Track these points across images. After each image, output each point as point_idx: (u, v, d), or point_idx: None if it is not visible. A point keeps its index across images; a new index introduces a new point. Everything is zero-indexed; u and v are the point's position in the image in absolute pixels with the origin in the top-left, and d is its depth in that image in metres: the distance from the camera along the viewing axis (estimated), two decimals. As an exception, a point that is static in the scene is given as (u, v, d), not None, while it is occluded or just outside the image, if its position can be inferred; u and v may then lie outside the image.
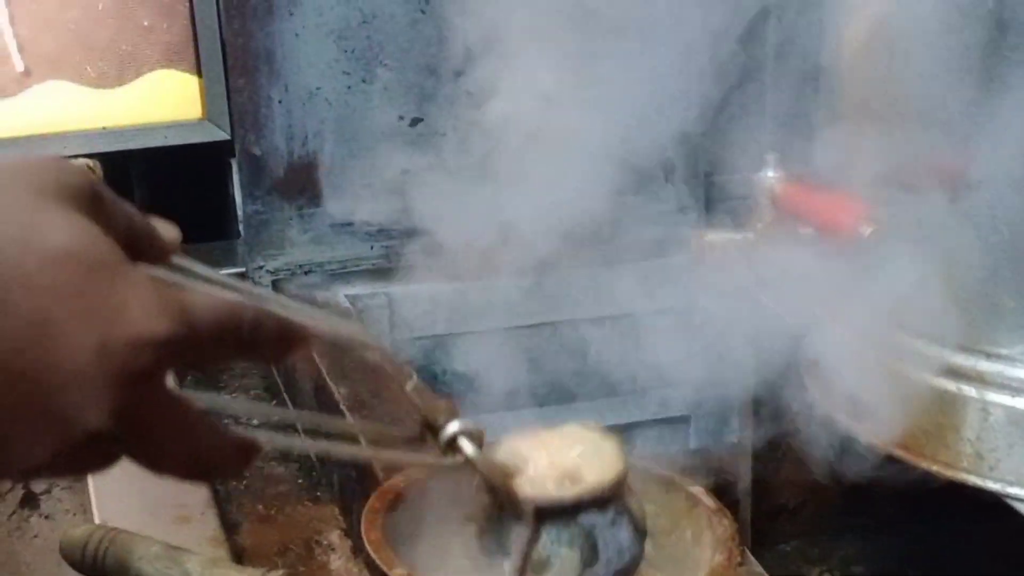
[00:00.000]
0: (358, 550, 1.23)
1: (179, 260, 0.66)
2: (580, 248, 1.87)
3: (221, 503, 1.28)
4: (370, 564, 1.19)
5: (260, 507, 1.33)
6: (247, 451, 0.64)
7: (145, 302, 0.57)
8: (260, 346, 0.64)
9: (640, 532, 0.87)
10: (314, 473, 1.40)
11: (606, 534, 0.85)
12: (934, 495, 1.22)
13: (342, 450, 0.81)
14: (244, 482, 1.37)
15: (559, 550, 0.85)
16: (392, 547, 0.88)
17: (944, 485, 1.18)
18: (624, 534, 0.86)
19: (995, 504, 0.93)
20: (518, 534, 0.85)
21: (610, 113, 1.86)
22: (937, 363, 0.87)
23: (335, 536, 1.27)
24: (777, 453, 1.24)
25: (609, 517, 0.86)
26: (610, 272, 1.83)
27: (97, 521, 1.19)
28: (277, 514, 1.32)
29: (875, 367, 0.92)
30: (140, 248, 0.62)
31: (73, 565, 1.04)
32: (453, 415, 0.80)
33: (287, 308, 0.69)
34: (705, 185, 1.95)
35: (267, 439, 0.68)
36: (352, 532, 1.27)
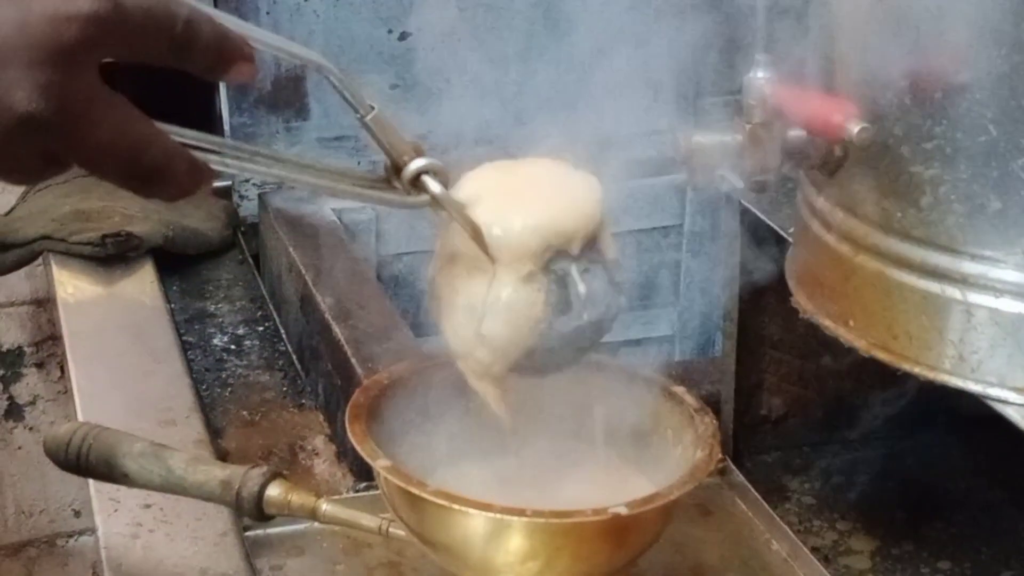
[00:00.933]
0: (342, 455, 1.24)
1: None
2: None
3: (205, 409, 1.29)
4: (355, 463, 1.20)
5: (244, 413, 1.33)
6: (196, 169, 0.64)
7: None
8: (195, 50, 0.62)
9: (617, 283, 0.82)
10: (299, 381, 1.41)
11: (579, 281, 0.80)
12: (916, 408, 1.23)
13: (301, 179, 0.77)
14: (229, 389, 1.38)
15: (527, 295, 0.78)
16: (376, 440, 0.88)
17: (925, 398, 1.19)
18: (599, 283, 0.81)
19: (977, 417, 0.94)
20: (482, 277, 0.79)
21: (600, 30, 1.85)
22: (921, 264, 0.87)
23: (319, 441, 1.28)
24: (760, 365, 1.25)
25: (582, 264, 0.80)
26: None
27: (81, 422, 1.19)
28: (261, 420, 1.32)
29: (859, 269, 0.92)
30: None
31: (57, 462, 1.04)
32: (418, 153, 0.77)
33: (234, 24, 0.66)
34: (695, 106, 1.94)
35: (219, 161, 0.65)
36: (336, 438, 1.28)
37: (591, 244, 0.82)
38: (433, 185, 0.76)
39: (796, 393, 1.27)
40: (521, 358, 0.81)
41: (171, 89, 1.93)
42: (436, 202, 0.76)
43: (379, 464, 0.85)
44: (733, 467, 1.21)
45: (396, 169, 0.76)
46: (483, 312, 0.79)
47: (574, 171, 0.83)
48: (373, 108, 0.75)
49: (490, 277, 0.80)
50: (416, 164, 0.76)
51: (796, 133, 0.93)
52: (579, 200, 0.82)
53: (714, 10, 2.19)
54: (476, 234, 0.79)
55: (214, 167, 0.65)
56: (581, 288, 0.81)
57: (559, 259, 0.81)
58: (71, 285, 1.51)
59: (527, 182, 0.83)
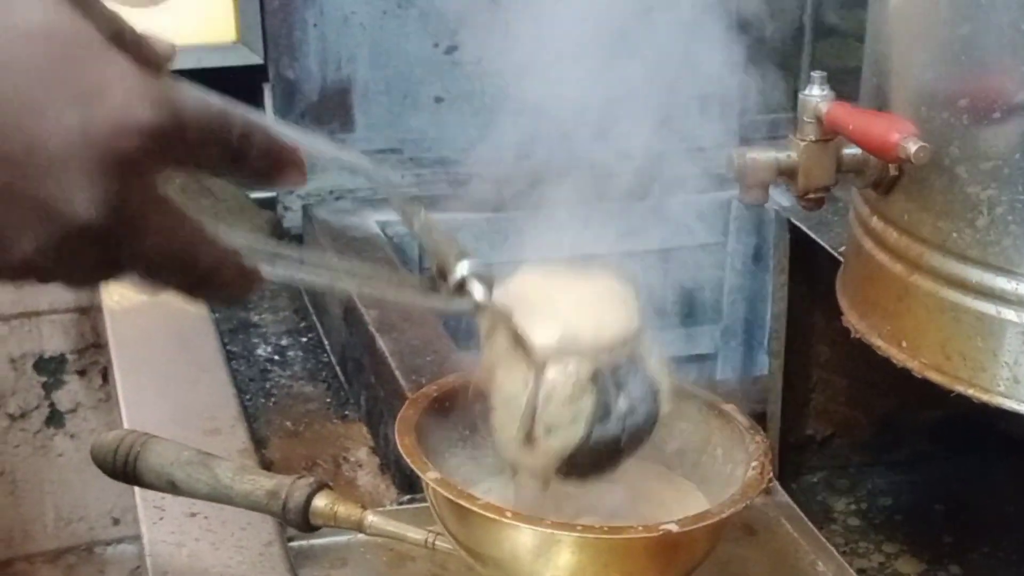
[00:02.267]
0: (385, 467, 1.24)
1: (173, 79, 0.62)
2: (614, 182, 1.86)
3: (249, 419, 1.29)
4: (398, 475, 1.20)
5: (288, 423, 1.33)
6: (248, 276, 0.64)
7: (129, 87, 0.55)
8: (249, 160, 0.63)
9: (655, 390, 0.84)
10: (342, 392, 1.41)
11: (618, 388, 0.82)
12: (963, 429, 1.22)
13: (346, 284, 0.78)
14: (272, 399, 1.38)
15: (568, 402, 0.81)
16: (424, 453, 0.88)
17: (973, 419, 1.18)
18: (638, 391, 0.83)
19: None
20: (526, 383, 0.81)
21: (648, 45, 1.85)
22: (976, 285, 0.87)
23: (363, 453, 1.28)
24: (807, 384, 1.24)
25: (622, 373, 0.82)
26: (643, 207, 1.82)
27: (127, 431, 1.20)
28: (305, 431, 1.32)
29: (913, 289, 0.91)
30: (127, 51, 0.59)
31: (103, 469, 1.04)
32: (463, 256, 0.77)
33: (283, 132, 0.67)
34: (740, 122, 1.94)
35: (269, 270, 0.66)
36: (379, 450, 1.28)
37: (631, 351, 0.83)
38: (478, 291, 0.77)
39: (843, 413, 1.26)
40: (562, 463, 0.83)
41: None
42: (481, 307, 0.77)
43: (429, 477, 0.85)
44: (779, 487, 1.21)
45: (442, 273, 0.77)
46: (525, 417, 0.81)
47: (613, 280, 0.85)
48: (421, 212, 0.78)
49: (532, 383, 0.82)
50: (461, 270, 0.77)
51: (852, 151, 0.92)
52: (619, 310, 0.85)
53: (759, 28, 2.19)
54: (519, 341, 0.81)
55: (264, 274, 0.66)
56: (621, 402, 0.83)
57: (600, 368, 0.83)
58: (117, 293, 1.52)
59: (569, 290, 0.86)
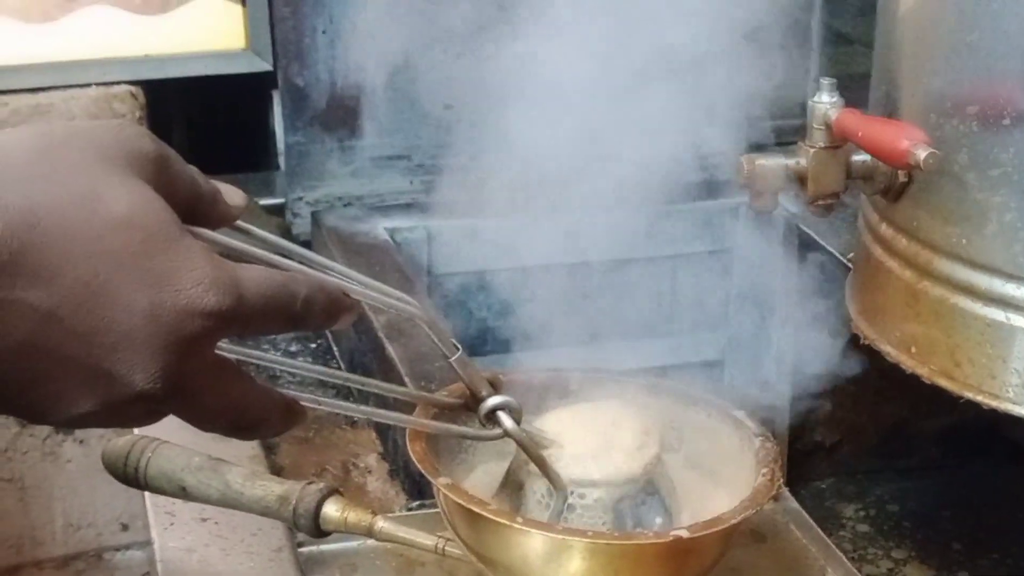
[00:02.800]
0: (395, 473, 1.24)
1: (242, 224, 0.69)
2: (622, 188, 1.87)
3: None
4: (407, 481, 1.20)
5: (298, 429, 1.33)
6: (292, 414, 0.69)
7: (199, 273, 0.60)
8: (310, 320, 0.67)
9: (670, 515, 0.89)
10: (351, 398, 1.41)
11: (636, 515, 0.88)
12: (972, 436, 1.22)
13: (386, 416, 0.88)
14: (282, 405, 1.38)
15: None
16: (435, 458, 0.88)
17: (983, 426, 1.19)
18: (654, 517, 0.88)
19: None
20: (550, 510, 0.87)
21: (656, 52, 1.85)
22: (985, 292, 0.87)
23: (372, 459, 1.28)
24: (815, 391, 1.24)
25: (640, 499, 0.88)
26: (651, 213, 1.82)
27: (136, 438, 1.20)
28: (315, 437, 1.32)
29: (922, 296, 0.91)
30: (203, 212, 0.65)
31: (114, 474, 1.05)
32: (495, 389, 0.86)
33: (339, 276, 0.71)
34: (748, 129, 1.94)
35: (313, 403, 0.71)
36: (389, 456, 1.28)
37: (647, 480, 0.89)
38: (507, 421, 0.85)
39: (851, 420, 1.26)
40: None
41: (227, 111, 1.95)
42: (509, 435, 0.85)
43: (440, 482, 0.85)
44: (788, 493, 1.21)
45: (473, 400, 0.86)
46: None
47: (635, 414, 0.93)
48: (458, 349, 0.85)
49: (552, 506, 0.87)
50: (492, 401, 0.85)
51: (861, 158, 0.93)
52: (640, 443, 0.90)
53: (766, 34, 2.19)
54: (544, 468, 0.87)
55: (306, 406, 0.72)
56: (638, 524, 0.88)
57: (619, 494, 0.88)
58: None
59: (594, 425, 0.91)
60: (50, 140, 0.60)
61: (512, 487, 0.91)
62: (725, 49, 1.86)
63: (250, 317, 0.62)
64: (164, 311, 0.58)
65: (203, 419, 0.66)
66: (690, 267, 1.86)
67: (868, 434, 1.27)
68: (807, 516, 1.18)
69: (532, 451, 0.87)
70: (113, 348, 0.58)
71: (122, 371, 0.59)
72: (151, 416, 0.64)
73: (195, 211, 0.64)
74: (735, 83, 1.90)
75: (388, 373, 1.33)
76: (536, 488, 0.89)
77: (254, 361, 0.81)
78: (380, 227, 1.72)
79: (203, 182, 0.66)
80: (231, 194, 0.68)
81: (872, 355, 0.98)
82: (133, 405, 0.61)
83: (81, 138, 0.61)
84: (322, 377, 0.91)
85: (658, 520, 0.89)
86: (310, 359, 1.50)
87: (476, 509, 0.83)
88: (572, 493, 0.87)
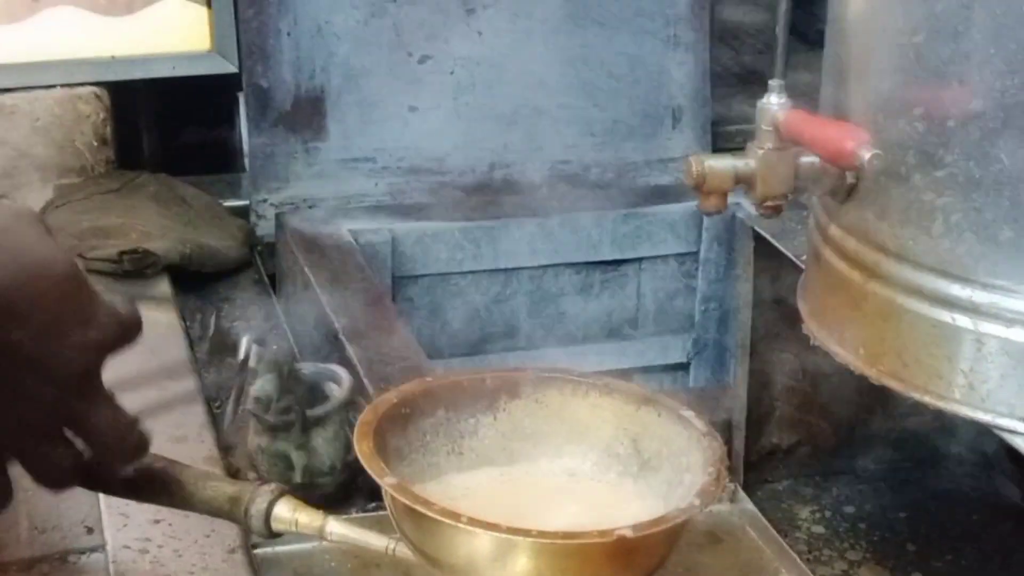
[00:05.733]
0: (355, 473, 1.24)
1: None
2: (586, 192, 1.87)
3: (218, 426, 1.29)
4: (365, 483, 1.20)
5: (255, 432, 1.33)
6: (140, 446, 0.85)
7: (106, 312, 0.78)
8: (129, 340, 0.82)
9: None
10: (311, 400, 1.41)
11: None
12: (928, 440, 1.23)
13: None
14: (242, 406, 1.38)
15: None
16: (384, 459, 0.88)
17: (938, 430, 1.19)
18: None
19: (992, 451, 0.94)
20: None
21: (619, 56, 1.86)
22: (932, 293, 0.87)
23: (329, 460, 1.27)
24: (772, 393, 1.25)
25: None
26: (615, 216, 1.83)
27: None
28: (272, 438, 1.32)
29: (870, 297, 0.91)
30: None
31: (68, 475, 1.04)
32: None
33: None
34: (712, 133, 1.95)
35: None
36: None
37: None
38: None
39: (808, 422, 1.26)
40: None
41: (193, 113, 1.95)
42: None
43: (386, 482, 0.85)
44: (743, 495, 1.21)
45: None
46: None
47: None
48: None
49: None
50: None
51: (809, 159, 0.93)
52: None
53: (734, 40, 2.20)
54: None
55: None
56: None
57: None
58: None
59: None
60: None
61: None
62: (690, 54, 1.87)
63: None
64: (90, 342, 0.76)
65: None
66: (655, 271, 1.87)
67: (826, 437, 1.27)
68: (763, 518, 1.18)
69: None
70: (54, 373, 0.75)
71: (54, 392, 0.76)
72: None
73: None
74: (700, 88, 1.91)
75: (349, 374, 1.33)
76: None
77: None
78: (344, 229, 1.72)
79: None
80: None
81: (829, 358, 0.98)
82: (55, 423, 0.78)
83: (21, 215, 0.77)
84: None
85: None
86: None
87: (421, 509, 0.82)
88: None
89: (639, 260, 1.85)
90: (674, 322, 1.88)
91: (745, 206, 1.47)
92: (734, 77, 2.19)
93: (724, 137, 1.94)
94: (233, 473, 1.22)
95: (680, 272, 1.87)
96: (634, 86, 1.85)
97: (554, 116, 1.84)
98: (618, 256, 1.84)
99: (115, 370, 1.34)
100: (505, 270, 1.81)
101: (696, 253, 1.85)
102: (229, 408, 1.35)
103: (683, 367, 1.90)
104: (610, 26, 1.82)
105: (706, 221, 1.82)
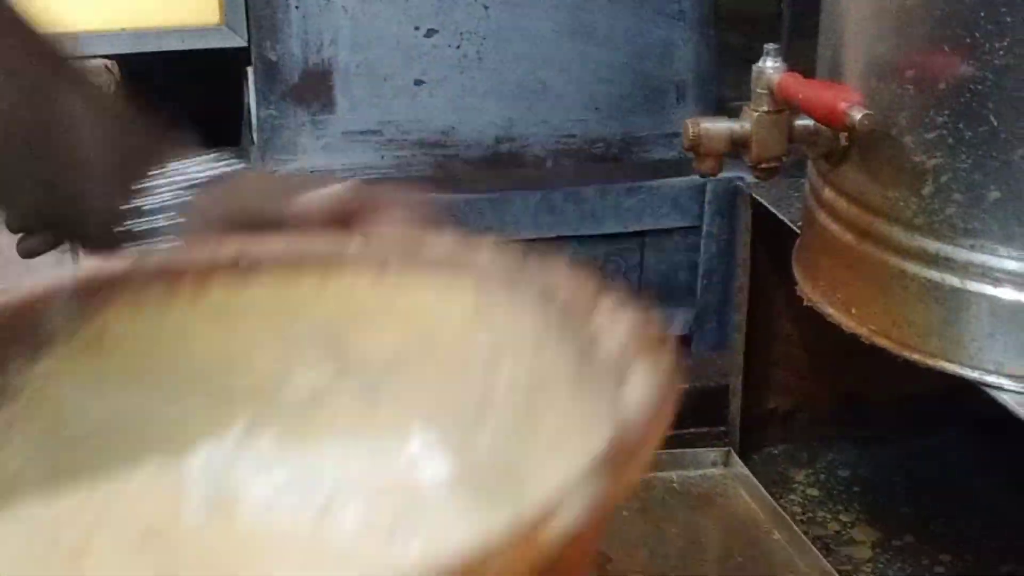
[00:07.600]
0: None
1: None
2: (591, 166, 1.89)
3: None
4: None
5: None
6: None
7: None
8: None
9: None
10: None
11: None
12: (926, 406, 1.24)
13: None
14: None
15: None
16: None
17: (937, 396, 1.21)
18: None
19: (989, 417, 0.95)
20: None
21: (625, 31, 1.87)
22: (921, 253, 0.89)
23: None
24: (769, 358, 1.26)
25: None
26: (618, 190, 1.84)
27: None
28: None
29: (862, 258, 0.93)
30: None
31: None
32: None
33: None
34: (718, 110, 1.96)
35: None
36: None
37: None
38: None
39: (805, 388, 1.28)
40: None
41: (202, 85, 1.97)
42: None
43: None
44: (738, 459, 1.23)
45: None
46: None
47: None
48: None
49: None
50: None
51: (803, 122, 0.95)
52: None
53: (745, 24, 2.21)
54: None
55: None
56: None
57: None
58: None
59: None
60: None
61: None
62: (694, 27, 1.88)
63: None
64: None
65: None
66: (658, 244, 1.88)
67: (823, 402, 1.29)
68: (755, 480, 1.20)
69: None
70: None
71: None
72: None
73: None
74: (704, 61, 1.92)
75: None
76: None
77: None
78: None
79: None
80: None
81: (826, 323, 0.99)
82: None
83: None
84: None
85: None
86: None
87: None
88: None
89: (643, 233, 1.87)
90: (677, 295, 1.90)
91: (748, 179, 1.48)
92: (743, 60, 2.19)
93: (730, 113, 1.95)
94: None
95: (683, 246, 1.88)
96: (640, 61, 1.86)
97: (560, 90, 1.85)
98: (621, 229, 1.86)
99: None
100: (511, 243, 1.83)
101: (699, 227, 1.87)
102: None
103: (685, 340, 1.92)
104: (617, 1, 1.83)
105: (709, 195, 1.84)
